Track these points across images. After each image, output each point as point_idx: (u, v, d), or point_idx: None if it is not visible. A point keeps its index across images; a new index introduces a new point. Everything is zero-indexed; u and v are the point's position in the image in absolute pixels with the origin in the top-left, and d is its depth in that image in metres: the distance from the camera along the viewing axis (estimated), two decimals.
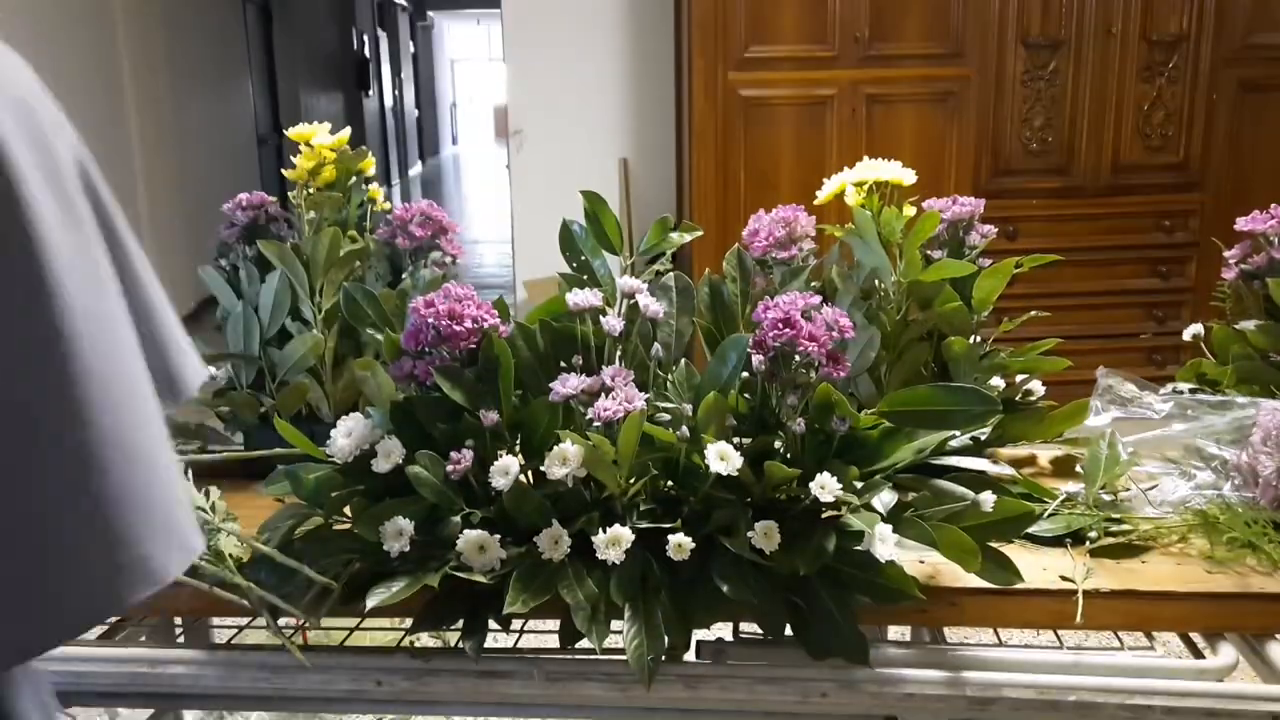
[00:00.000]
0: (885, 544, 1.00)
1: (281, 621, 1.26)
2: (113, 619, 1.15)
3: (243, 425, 1.43)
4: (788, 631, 1.05)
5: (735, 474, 1.01)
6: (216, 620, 1.39)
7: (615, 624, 1.04)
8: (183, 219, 6.29)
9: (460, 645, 1.05)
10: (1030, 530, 1.17)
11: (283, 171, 1.48)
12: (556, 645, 1.07)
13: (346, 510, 1.10)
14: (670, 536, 1.02)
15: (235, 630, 1.29)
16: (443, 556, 1.05)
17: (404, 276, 1.43)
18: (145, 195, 5.93)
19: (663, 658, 1.01)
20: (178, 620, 1.48)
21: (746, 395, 1.10)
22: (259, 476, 1.21)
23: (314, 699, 1.12)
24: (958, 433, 1.16)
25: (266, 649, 1.18)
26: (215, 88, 7.56)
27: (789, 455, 1.07)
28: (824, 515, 1.06)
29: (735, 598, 1.01)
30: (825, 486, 1.00)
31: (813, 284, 1.35)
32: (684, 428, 1.04)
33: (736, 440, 1.06)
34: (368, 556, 1.05)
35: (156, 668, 1.12)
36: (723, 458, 1.01)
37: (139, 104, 5.90)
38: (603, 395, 1.05)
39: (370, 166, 1.49)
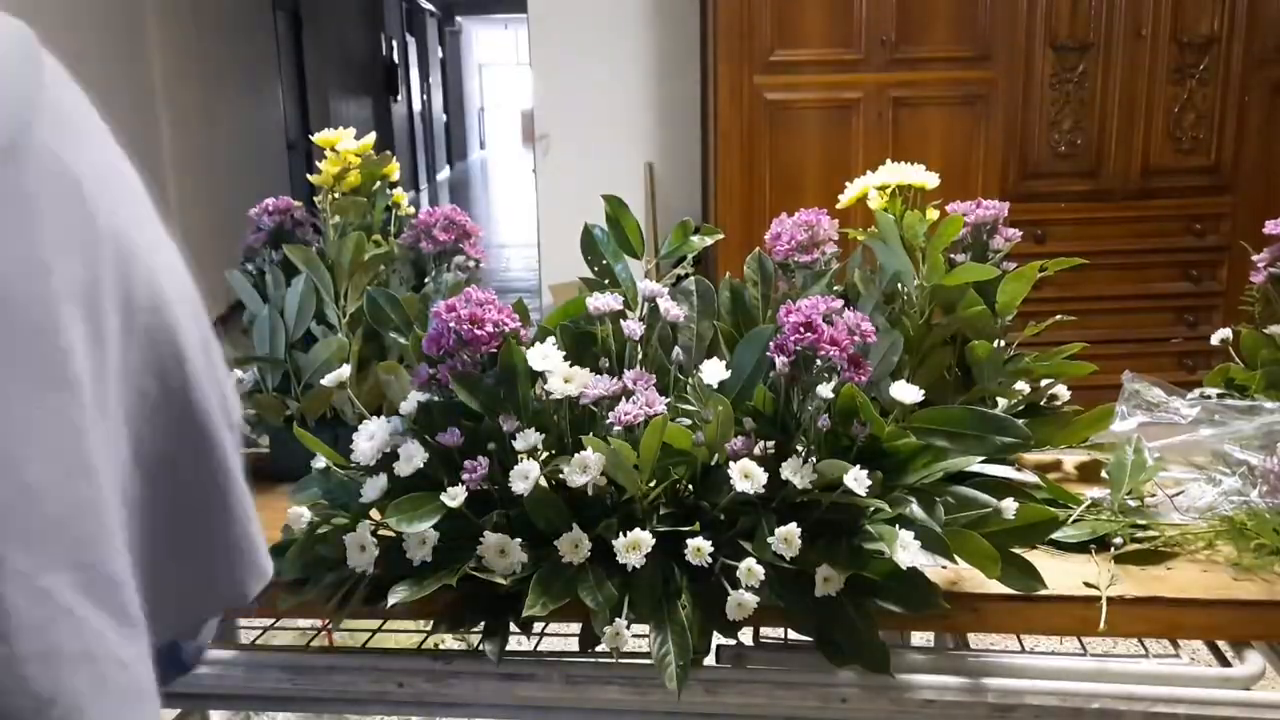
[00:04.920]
0: (907, 551, 1.00)
1: (306, 623, 1.27)
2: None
3: (269, 428, 1.45)
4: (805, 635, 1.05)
5: (761, 490, 1.01)
6: (243, 621, 1.41)
7: (636, 628, 1.04)
8: (213, 223, 6.35)
9: (481, 647, 1.05)
10: (1054, 536, 1.16)
11: (308, 176, 1.49)
12: (577, 648, 1.07)
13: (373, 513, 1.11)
14: (689, 541, 1.02)
15: (260, 631, 1.30)
16: (465, 558, 1.05)
17: (427, 281, 1.44)
18: (176, 200, 6.00)
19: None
20: None
21: (773, 394, 1.10)
22: (289, 479, 1.22)
23: (337, 700, 1.13)
24: (983, 457, 1.15)
25: (291, 650, 1.19)
26: (245, 94, 7.64)
27: (810, 459, 1.07)
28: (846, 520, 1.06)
29: (761, 600, 1.01)
30: (857, 479, 0.99)
31: (835, 288, 1.35)
32: (698, 434, 1.05)
33: (760, 447, 1.06)
34: (390, 557, 1.06)
35: None
36: (746, 475, 1.01)
37: (170, 110, 5.97)
38: (623, 399, 1.05)
39: (395, 171, 1.50)
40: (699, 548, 1.01)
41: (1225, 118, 3.75)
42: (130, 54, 5.56)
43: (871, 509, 1.04)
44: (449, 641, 1.27)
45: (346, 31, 11.00)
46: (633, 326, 1.13)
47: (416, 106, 14.25)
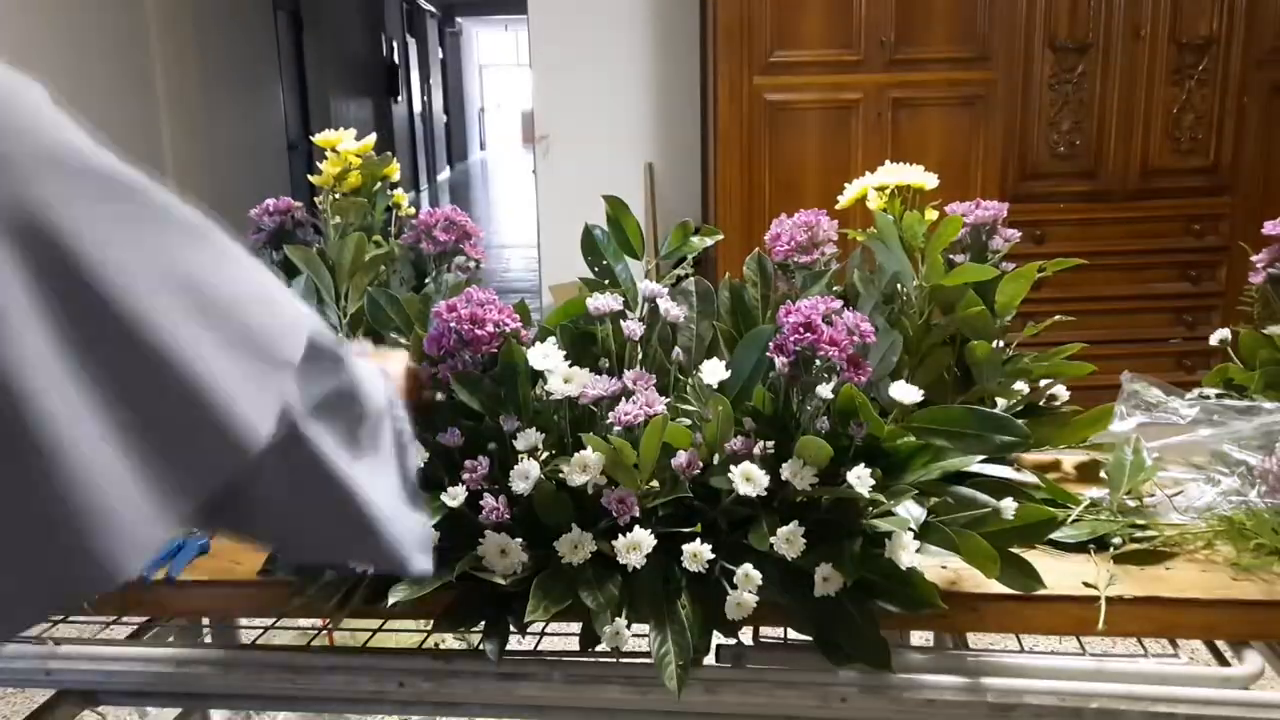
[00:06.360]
0: (907, 551, 1.00)
1: (307, 622, 1.27)
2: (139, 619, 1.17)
3: None
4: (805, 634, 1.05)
5: (764, 493, 1.01)
6: (243, 621, 1.41)
7: (636, 628, 1.04)
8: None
9: (481, 647, 1.05)
10: (1053, 536, 1.17)
11: (309, 177, 1.49)
12: (577, 647, 1.08)
13: None
14: (685, 547, 1.02)
15: (261, 631, 1.30)
16: (466, 557, 1.05)
17: (427, 281, 1.44)
18: None
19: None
20: (205, 621, 1.50)
21: (772, 394, 1.10)
22: None
23: (337, 699, 1.13)
24: (983, 457, 1.16)
25: (291, 650, 1.19)
26: (246, 94, 7.64)
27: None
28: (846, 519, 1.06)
29: (761, 599, 1.01)
30: (860, 478, 1.00)
31: (834, 288, 1.35)
32: (698, 434, 1.05)
33: (759, 447, 1.06)
34: None
35: (184, 667, 1.13)
36: (748, 478, 1.01)
37: (171, 110, 5.96)
38: (623, 399, 1.06)
39: (395, 172, 1.50)
40: (696, 553, 1.01)
41: (1224, 118, 3.75)
42: (131, 55, 5.56)
43: (871, 510, 1.04)
44: (449, 641, 1.27)
45: (347, 32, 11.00)
46: (633, 327, 1.13)
47: (417, 107, 14.24)
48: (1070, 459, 1.43)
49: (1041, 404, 1.39)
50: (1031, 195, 3.78)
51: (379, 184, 1.49)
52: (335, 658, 1.14)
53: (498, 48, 20.40)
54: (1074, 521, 1.20)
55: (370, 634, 1.27)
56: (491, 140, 21.71)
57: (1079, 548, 1.18)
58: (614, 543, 1.02)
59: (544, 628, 1.17)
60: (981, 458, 1.14)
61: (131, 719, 1.92)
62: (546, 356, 1.08)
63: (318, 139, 1.47)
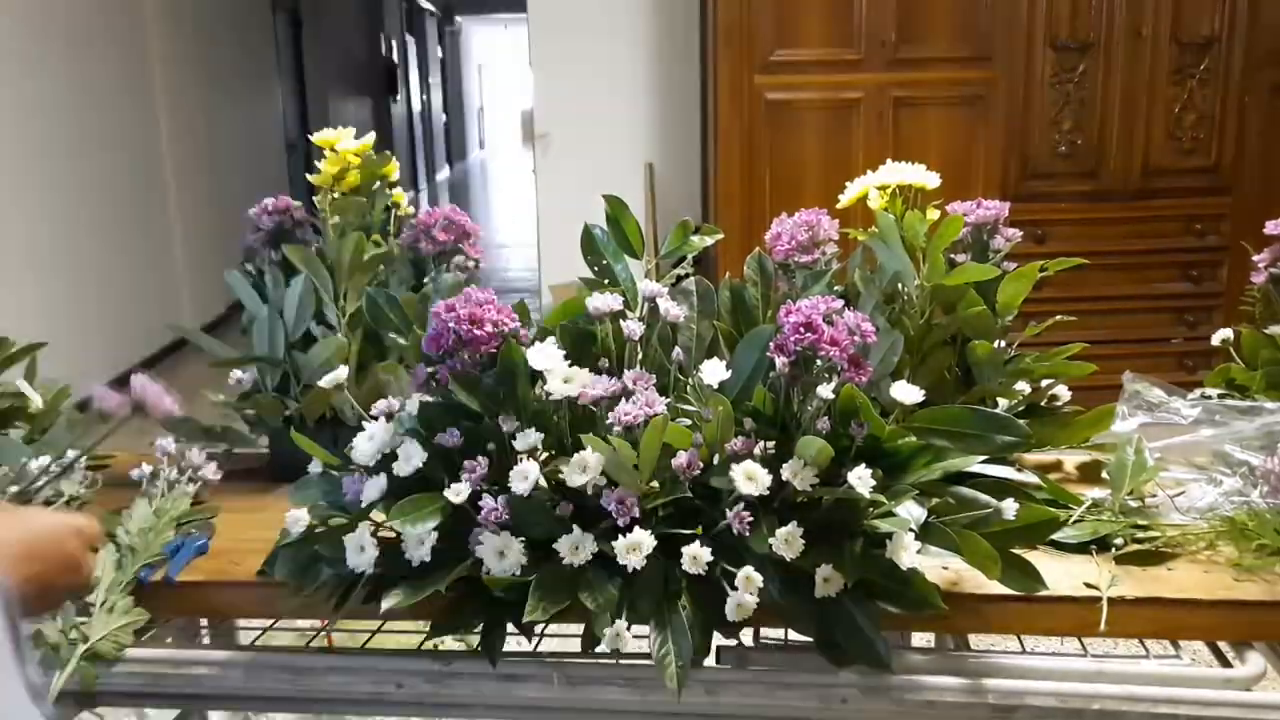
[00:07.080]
0: (907, 552, 1.00)
1: (306, 623, 1.27)
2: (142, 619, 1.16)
3: (268, 428, 1.44)
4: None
5: (766, 493, 1.01)
6: (242, 622, 1.41)
7: (636, 628, 1.04)
8: (213, 224, 6.35)
9: (481, 648, 1.05)
10: (1055, 537, 1.16)
11: (308, 176, 1.49)
12: (577, 649, 1.07)
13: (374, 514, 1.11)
14: (684, 549, 1.01)
15: (259, 632, 1.30)
16: (464, 558, 1.05)
17: (426, 281, 1.44)
18: (176, 201, 5.99)
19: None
20: (203, 621, 1.50)
21: (773, 394, 1.09)
22: (288, 479, 1.22)
23: (336, 700, 1.13)
24: (984, 458, 1.15)
25: (290, 651, 1.19)
26: (245, 94, 7.64)
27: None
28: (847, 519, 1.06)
29: (762, 600, 1.01)
30: (861, 478, 0.99)
31: (835, 288, 1.35)
32: (698, 434, 1.04)
33: (760, 447, 1.06)
34: (389, 557, 1.06)
35: (182, 669, 1.13)
36: (750, 478, 1.01)
37: (170, 111, 5.96)
38: (623, 399, 1.05)
39: (394, 171, 1.50)
40: (696, 556, 1.01)
41: (1225, 118, 3.75)
42: (130, 55, 5.56)
43: (871, 510, 1.04)
44: (449, 642, 1.27)
45: (346, 32, 11.00)
46: (633, 326, 1.12)
47: (416, 106, 14.24)
48: (1072, 459, 1.42)
49: (1043, 404, 1.39)
50: (1033, 195, 3.78)
51: (378, 183, 1.48)
52: (334, 659, 1.13)
53: (497, 47, 20.38)
54: (1075, 522, 1.20)
55: (370, 635, 1.27)
56: (491, 139, 21.70)
57: (1080, 548, 1.18)
58: (614, 543, 1.02)
59: (544, 628, 1.17)
60: (983, 458, 1.14)
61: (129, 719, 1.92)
62: (546, 356, 1.07)
63: (316, 138, 1.47)
